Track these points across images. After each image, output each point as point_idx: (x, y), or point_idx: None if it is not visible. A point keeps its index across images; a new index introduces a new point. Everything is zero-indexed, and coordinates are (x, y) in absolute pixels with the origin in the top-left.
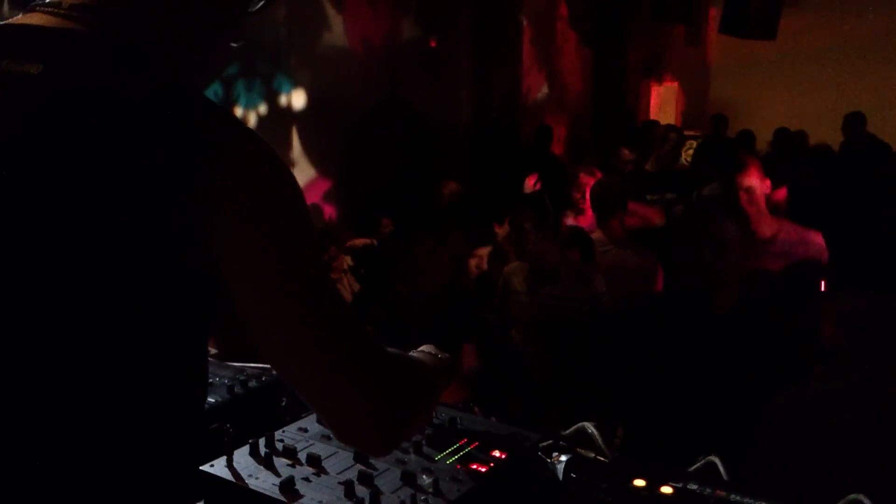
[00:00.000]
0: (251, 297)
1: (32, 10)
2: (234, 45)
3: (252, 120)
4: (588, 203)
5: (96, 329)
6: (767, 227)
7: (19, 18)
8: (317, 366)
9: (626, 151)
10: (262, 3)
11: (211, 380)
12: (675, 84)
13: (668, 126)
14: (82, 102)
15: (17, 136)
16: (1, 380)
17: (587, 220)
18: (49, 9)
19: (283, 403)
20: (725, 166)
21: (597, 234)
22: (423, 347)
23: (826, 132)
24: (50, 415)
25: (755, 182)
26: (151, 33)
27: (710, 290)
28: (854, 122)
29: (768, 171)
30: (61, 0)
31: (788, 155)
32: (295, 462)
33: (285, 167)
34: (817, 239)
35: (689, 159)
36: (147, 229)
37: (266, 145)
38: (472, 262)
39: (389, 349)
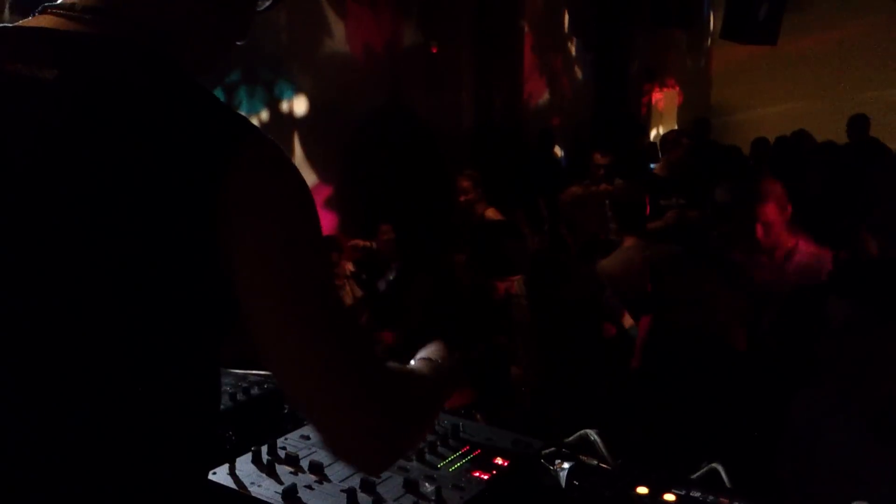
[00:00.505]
0: (259, 301)
1: (44, 12)
2: (240, 43)
3: None
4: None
5: (111, 335)
6: (784, 248)
7: (31, 21)
8: (318, 377)
9: (599, 156)
10: (270, 3)
11: None
12: (677, 88)
13: (679, 131)
14: (99, 108)
15: (34, 142)
16: (15, 384)
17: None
18: (62, 11)
19: (286, 411)
20: (721, 172)
21: (630, 242)
22: (430, 346)
23: (827, 136)
24: (60, 418)
25: (774, 217)
26: (163, 35)
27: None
28: (857, 125)
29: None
30: (74, 2)
31: (790, 163)
32: (297, 469)
33: (298, 172)
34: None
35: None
36: (164, 235)
37: (280, 150)
38: (502, 286)
39: (392, 364)
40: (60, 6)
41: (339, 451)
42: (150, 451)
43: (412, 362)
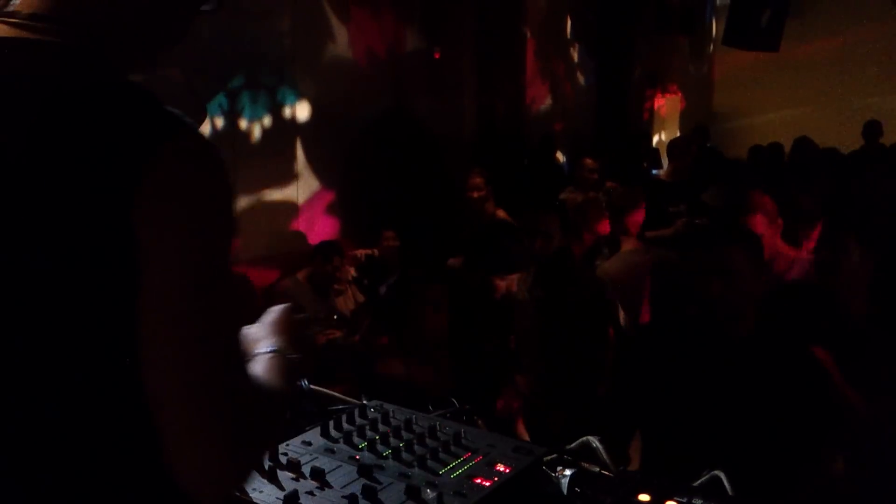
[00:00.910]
0: (148, 301)
1: None
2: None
3: (256, 132)
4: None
5: (28, 334)
6: (783, 259)
7: None
8: (185, 388)
9: (590, 161)
10: (213, 7)
11: None
12: (679, 94)
13: (688, 138)
14: (19, 108)
15: None
16: None
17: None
18: (4, 19)
19: (287, 416)
20: (720, 175)
21: (628, 244)
22: (277, 318)
23: (829, 142)
24: None
25: (763, 229)
26: (104, 38)
27: (723, 319)
28: (869, 130)
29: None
30: (18, 10)
31: (765, 169)
32: (299, 476)
33: (221, 175)
34: None
35: None
36: (83, 229)
37: (207, 151)
38: (502, 284)
39: (257, 384)
40: (5, 14)
41: (185, 471)
42: (73, 460)
43: (264, 355)
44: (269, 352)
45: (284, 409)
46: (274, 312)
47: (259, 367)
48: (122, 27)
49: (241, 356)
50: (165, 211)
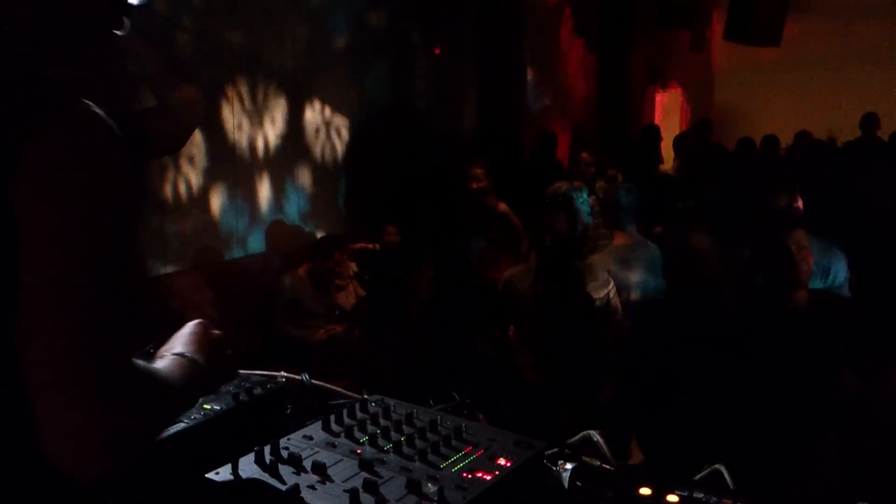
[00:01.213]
0: (27, 276)
1: None
2: (119, 33)
3: (259, 130)
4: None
5: None
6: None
7: None
8: (57, 361)
9: (586, 155)
10: (142, 1)
11: None
12: (680, 90)
13: (693, 133)
14: None
15: None
16: None
17: None
18: None
19: (288, 411)
20: (721, 173)
21: (620, 239)
22: (186, 334)
23: (829, 137)
24: None
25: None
26: (25, 32)
27: (697, 299)
28: (867, 122)
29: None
30: None
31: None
32: (300, 470)
33: (111, 158)
34: None
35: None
36: None
37: (100, 134)
38: (501, 272)
39: (142, 366)
40: None
41: (53, 443)
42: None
43: (167, 356)
44: (173, 354)
45: (177, 403)
46: (188, 326)
47: (158, 364)
48: (44, 21)
49: (126, 339)
50: (44, 186)
